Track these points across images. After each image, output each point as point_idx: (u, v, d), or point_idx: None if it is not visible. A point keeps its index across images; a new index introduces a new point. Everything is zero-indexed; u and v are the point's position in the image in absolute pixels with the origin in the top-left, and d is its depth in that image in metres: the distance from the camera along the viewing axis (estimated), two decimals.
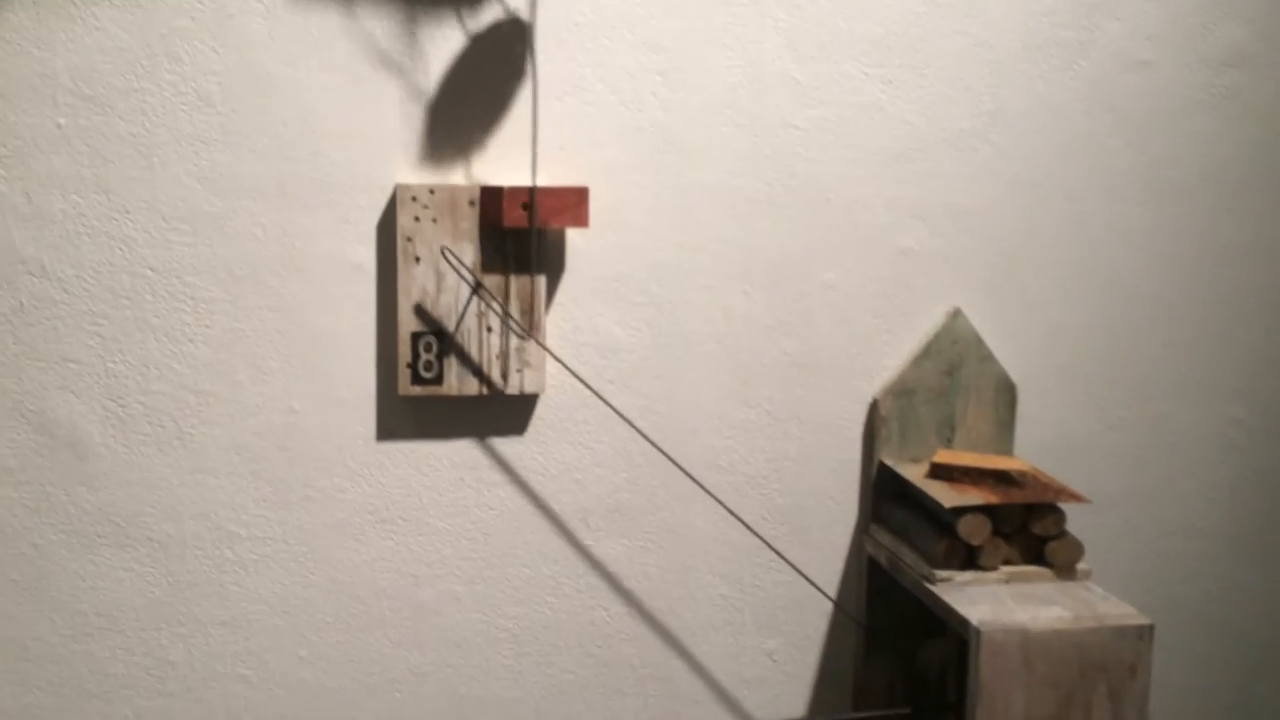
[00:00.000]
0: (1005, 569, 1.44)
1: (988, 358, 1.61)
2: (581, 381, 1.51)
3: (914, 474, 1.54)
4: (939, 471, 1.52)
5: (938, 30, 1.55)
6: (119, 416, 1.41)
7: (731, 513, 1.56)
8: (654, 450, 1.54)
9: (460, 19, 1.42)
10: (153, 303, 1.40)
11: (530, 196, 1.42)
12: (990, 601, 1.37)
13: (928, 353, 1.59)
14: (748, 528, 1.57)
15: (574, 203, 1.45)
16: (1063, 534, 1.45)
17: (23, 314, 1.37)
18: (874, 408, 1.61)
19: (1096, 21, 1.59)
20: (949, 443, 1.60)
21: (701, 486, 1.54)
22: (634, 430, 1.53)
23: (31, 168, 1.34)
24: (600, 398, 1.51)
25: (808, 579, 1.60)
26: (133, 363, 1.41)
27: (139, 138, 1.36)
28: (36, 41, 1.32)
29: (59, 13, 1.32)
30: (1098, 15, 1.59)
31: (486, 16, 1.43)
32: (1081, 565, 1.46)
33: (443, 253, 1.44)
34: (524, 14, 1.44)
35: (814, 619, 1.65)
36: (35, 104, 1.33)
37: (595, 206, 1.49)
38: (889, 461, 1.59)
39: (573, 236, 1.50)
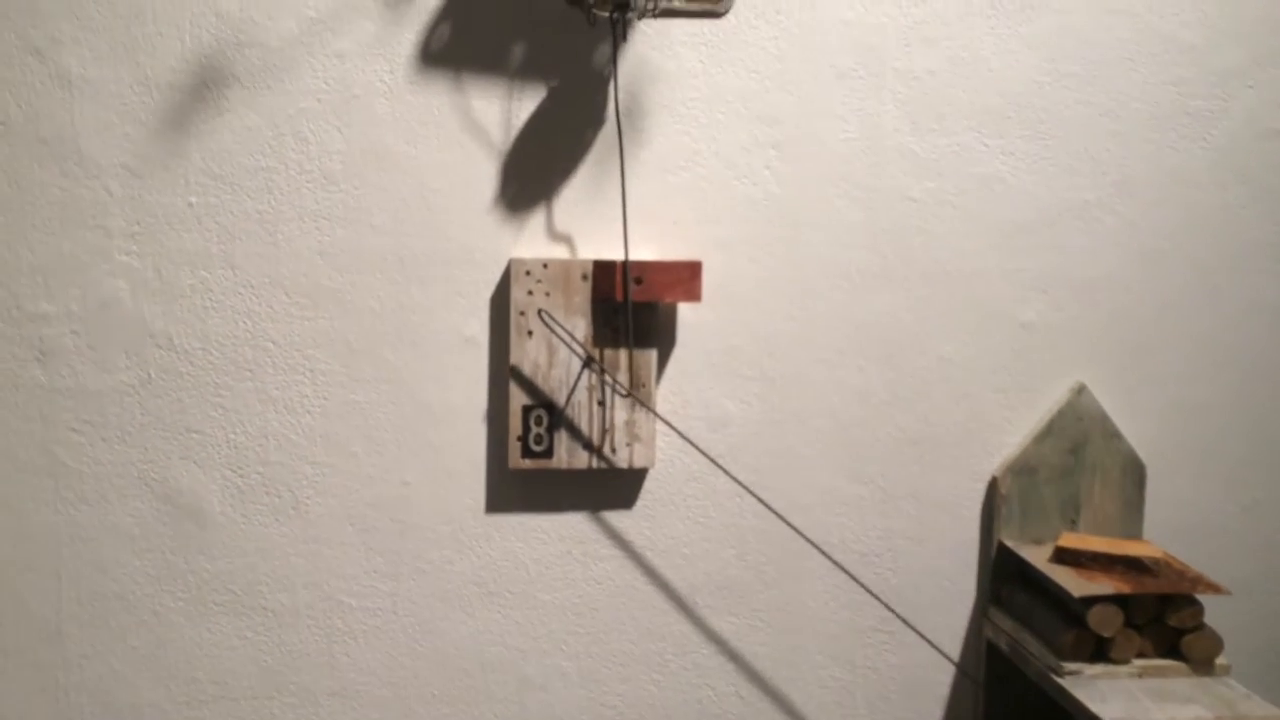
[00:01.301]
0: (1138, 663, 1.37)
1: (1114, 435, 1.55)
2: (698, 449, 1.49)
3: (1037, 557, 1.47)
4: (1065, 556, 1.46)
5: (1060, 100, 1.51)
6: (238, 486, 1.43)
7: (851, 576, 1.51)
8: (764, 526, 1.51)
9: (573, 97, 1.43)
10: (273, 375, 1.42)
11: (634, 270, 1.41)
12: (1123, 698, 1.30)
13: (1050, 430, 1.54)
14: (868, 590, 1.53)
15: (687, 277, 1.44)
16: (1200, 626, 1.38)
17: (150, 386, 1.40)
18: (993, 486, 1.55)
19: (1230, 91, 1.53)
20: (1073, 524, 1.54)
21: (820, 550, 1.50)
22: (743, 505, 1.50)
23: (163, 244, 1.38)
24: (717, 465, 1.49)
25: (935, 647, 1.54)
26: (253, 433, 1.43)
27: (265, 215, 1.40)
28: (172, 124, 1.36)
29: (193, 95, 1.36)
30: (1231, 84, 1.53)
31: (600, 95, 1.43)
32: (1220, 659, 1.39)
33: (540, 315, 1.44)
34: (636, 91, 1.44)
35: (929, 704, 1.59)
36: (168, 183, 1.37)
37: (708, 279, 1.47)
38: (1010, 543, 1.53)
39: (684, 309, 1.49)
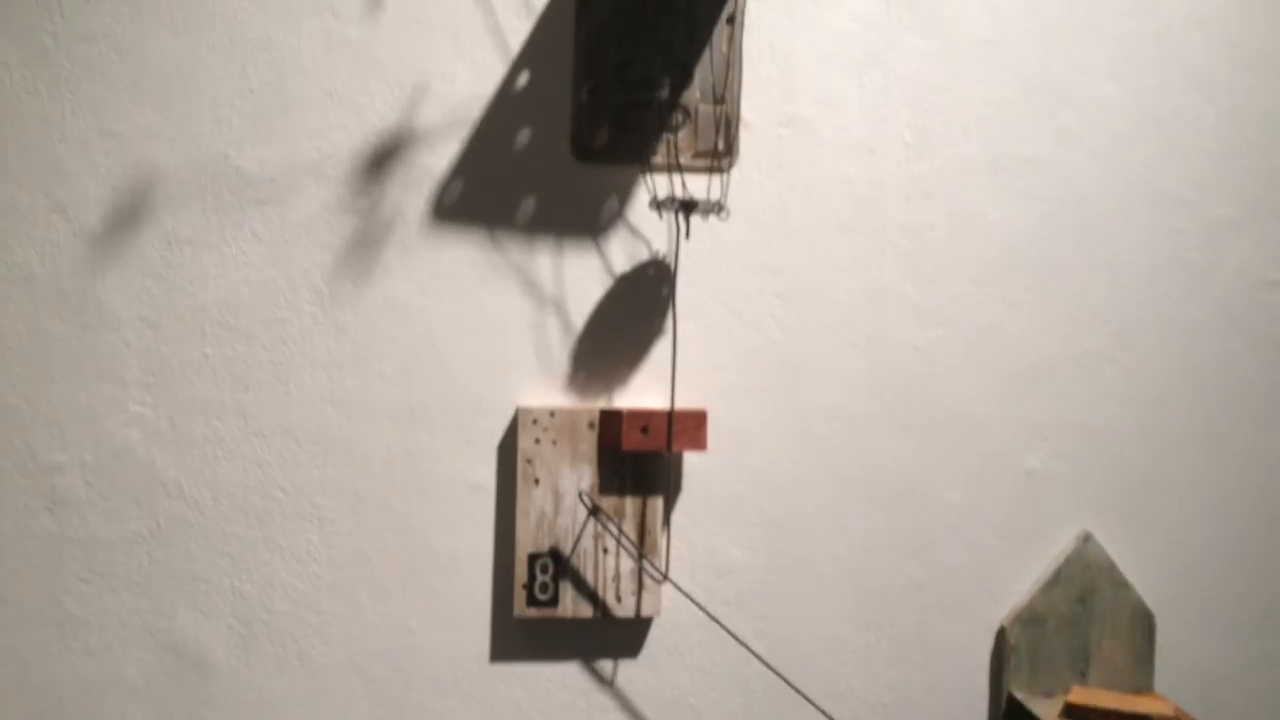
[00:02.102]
0: None
1: (1122, 585, 1.54)
2: (700, 608, 1.48)
3: (1048, 713, 1.46)
4: (1075, 713, 1.44)
5: (1059, 252, 1.54)
6: (243, 635, 1.43)
7: None
8: (771, 675, 1.49)
9: (583, 252, 1.47)
10: (281, 523, 1.43)
11: (640, 420, 1.43)
12: None
13: (1058, 579, 1.53)
14: None
15: (692, 426, 1.45)
16: None
17: (159, 535, 1.41)
18: (1001, 635, 1.54)
19: (1224, 243, 1.56)
20: (1083, 676, 1.52)
21: (824, 714, 1.48)
22: (750, 655, 1.49)
23: (177, 394, 1.41)
24: (719, 623, 1.48)
25: None
26: (259, 582, 1.43)
27: (278, 364, 1.42)
28: (191, 278, 1.40)
29: (213, 250, 1.40)
30: (1225, 236, 1.56)
31: (604, 246, 1.47)
32: None
33: (554, 475, 1.46)
34: (635, 241, 1.48)
35: None
36: (185, 334, 1.40)
37: (713, 427, 1.49)
38: (1019, 695, 1.51)
39: (690, 457, 1.50)
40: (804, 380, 1.52)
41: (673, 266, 1.47)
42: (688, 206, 1.39)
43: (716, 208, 1.40)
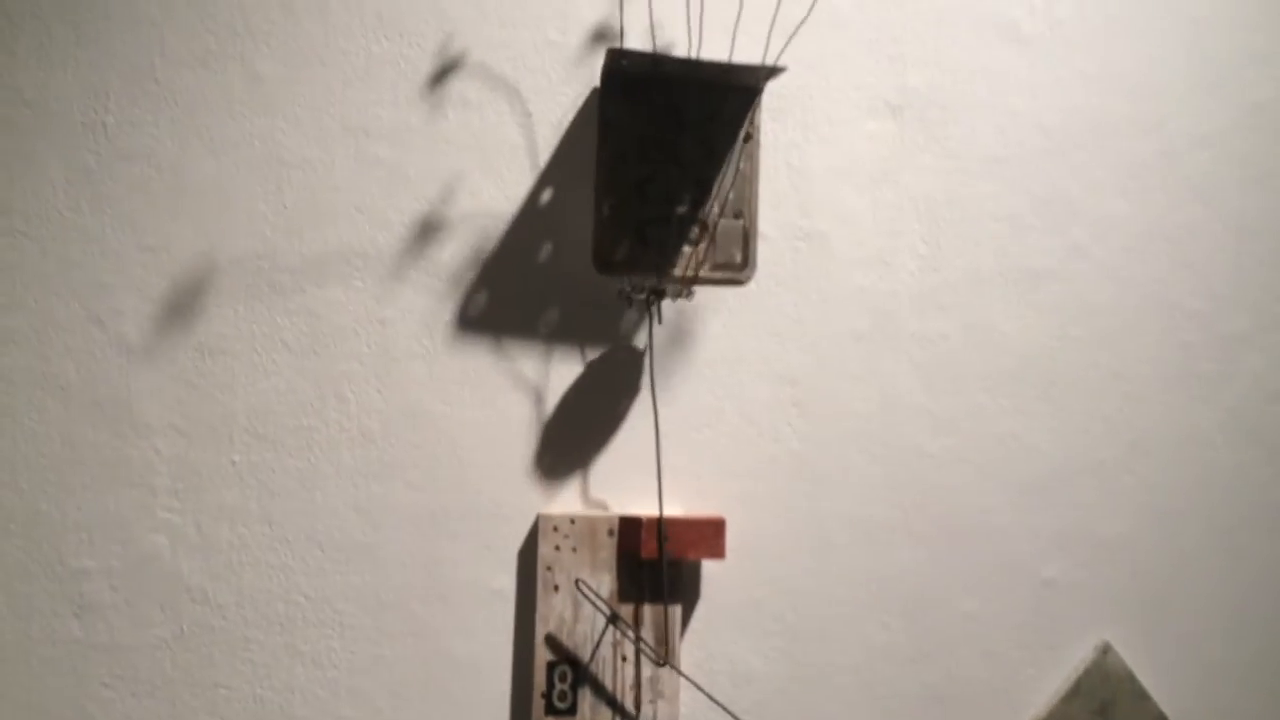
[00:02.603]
0: None
1: (1143, 696, 1.53)
2: (724, 709, 1.48)
3: None
4: None
5: (1071, 363, 1.57)
6: None
7: None
8: None
9: (601, 362, 1.50)
10: (303, 629, 1.45)
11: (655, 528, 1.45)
12: None
13: (1077, 690, 1.52)
14: None
15: (710, 534, 1.47)
16: None
17: (182, 640, 1.43)
18: None
19: (1237, 355, 1.59)
20: None
21: None
22: None
23: (204, 501, 1.43)
24: None
25: None
26: (279, 688, 1.44)
27: (304, 472, 1.45)
28: (221, 386, 1.44)
29: (243, 360, 1.44)
30: (1238, 348, 1.59)
31: (628, 360, 1.50)
32: None
33: (578, 585, 1.47)
34: (661, 353, 1.51)
35: None
36: (213, 442, 1.44)
37: (731, 534, 1.50)
38: None
39: (709, 564, 1.51)
40: (822, 489, 1.53)
41: (647, 356, 1.49)
42: (658, 293, 1.43)
43: (686, 292, 1.43)
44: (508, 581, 1.49)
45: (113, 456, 1.42)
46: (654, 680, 1.48)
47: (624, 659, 1.48)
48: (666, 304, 1.49)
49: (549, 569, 1.47)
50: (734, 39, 1.42)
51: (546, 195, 1.50)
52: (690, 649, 1.50)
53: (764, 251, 1.53)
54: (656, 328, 1.50)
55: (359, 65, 1.45)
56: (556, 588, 1.47)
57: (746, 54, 1.42)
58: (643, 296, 1.43)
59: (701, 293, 1.51)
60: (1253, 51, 1.62)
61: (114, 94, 1.41)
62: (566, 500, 1.50)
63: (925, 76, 1.56)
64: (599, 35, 1.49)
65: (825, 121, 1.54)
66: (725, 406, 1.52)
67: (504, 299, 1.48)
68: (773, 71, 1.40)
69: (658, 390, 1.51)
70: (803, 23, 1.40)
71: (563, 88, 1.49)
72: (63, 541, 1.41)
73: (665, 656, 1.48)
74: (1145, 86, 1.60)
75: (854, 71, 1.55)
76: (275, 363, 1.45)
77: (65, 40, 1.40)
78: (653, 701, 1.48)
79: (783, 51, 1.41)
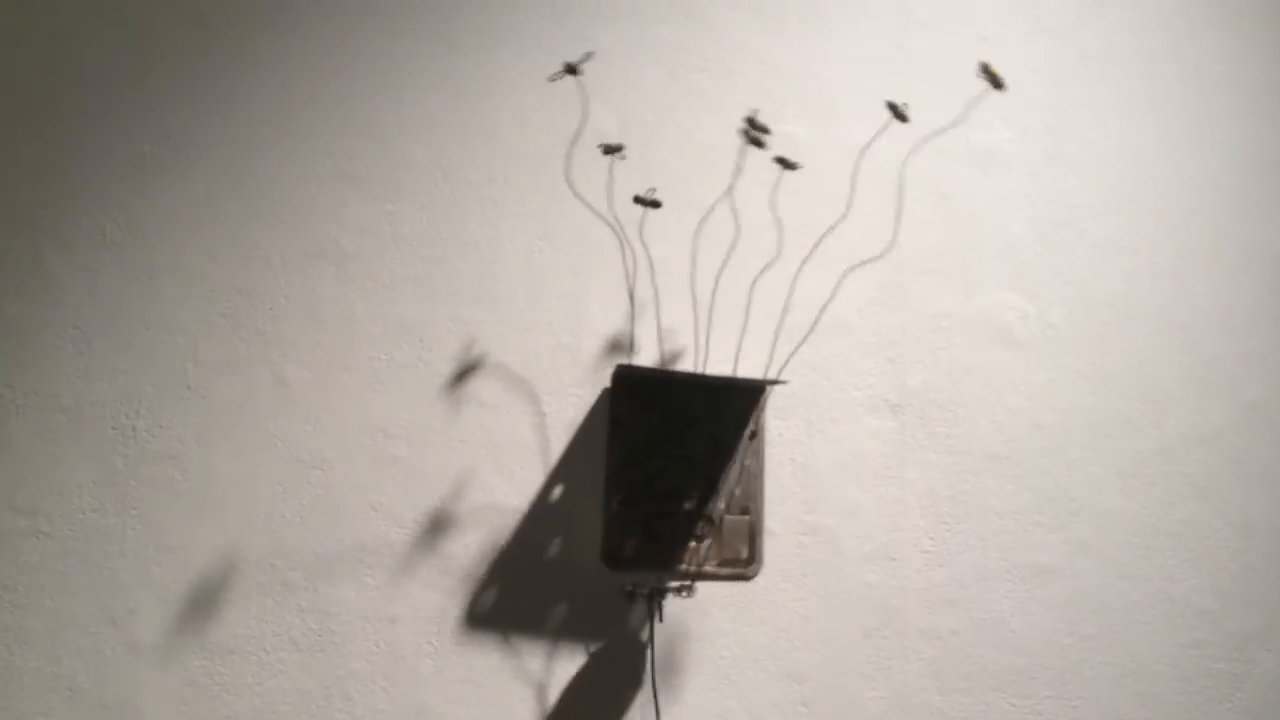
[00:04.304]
0: None
1: None
2: None
3: None
4: None
5: (1082, 660, 1.55)
6: None
7: None
8: None
9: (608, 658, 1.49)
10: None
11: None
12: None
13: None
14: None
15: None
16: None
17: None
18: None
19: (1250, 654, 1.57)
20: None
21: None
22: None
23: None
24: None
25: None
26: None
27: None
28: (227, 686, 1.44)
29: (251, 660, 1.45)
30: (1250, 647, 1.57)
31: (634, 656, 1.50)
32: None
33: None
34: (668, 648, 1.50)
35: None
36: None
37: None
38: None
39: None
40: None
41: (649, 651, 1.49)
42: (659, 592, 1.44)
43: (686, 590, 1.44)
44: None
45: None
46: None
47: None
48: (672, 600, 1.50)
49: None
50: (739, 349, 1.48)
51: (557, 491, 1.53)
52: None
53: (770, 546, 1.55)
54: (665, 621, 1.50)
55: (380, 369, 1.52)
56: None
57: (752, 356, 1.48)
58: (645, 593, 1.44)
59: (708, 588, 1.52)
60: (1242, 352, 1.68)
61: (146, 400, 1.48)
62: None
63: (924, 377, 1.61)
64: (613, 346, 1.56)
65: (829, 419, 1.59)
66: (732, 704, 1.51)
67: (512, 594, 1.50)
68: (774, 382, 1.46)
69: (664, 688, 1.50)
70: (808, 335, 1.47)
71: (575, 389, 1.55)
72: None
73: None
74: (1139, 386, 1.65)
75: (855, 372, 1.61)
76: (283, 661, 1.45)
77: (104, 350, 1.48)
78: None
79: (787, 363, 1.47)
